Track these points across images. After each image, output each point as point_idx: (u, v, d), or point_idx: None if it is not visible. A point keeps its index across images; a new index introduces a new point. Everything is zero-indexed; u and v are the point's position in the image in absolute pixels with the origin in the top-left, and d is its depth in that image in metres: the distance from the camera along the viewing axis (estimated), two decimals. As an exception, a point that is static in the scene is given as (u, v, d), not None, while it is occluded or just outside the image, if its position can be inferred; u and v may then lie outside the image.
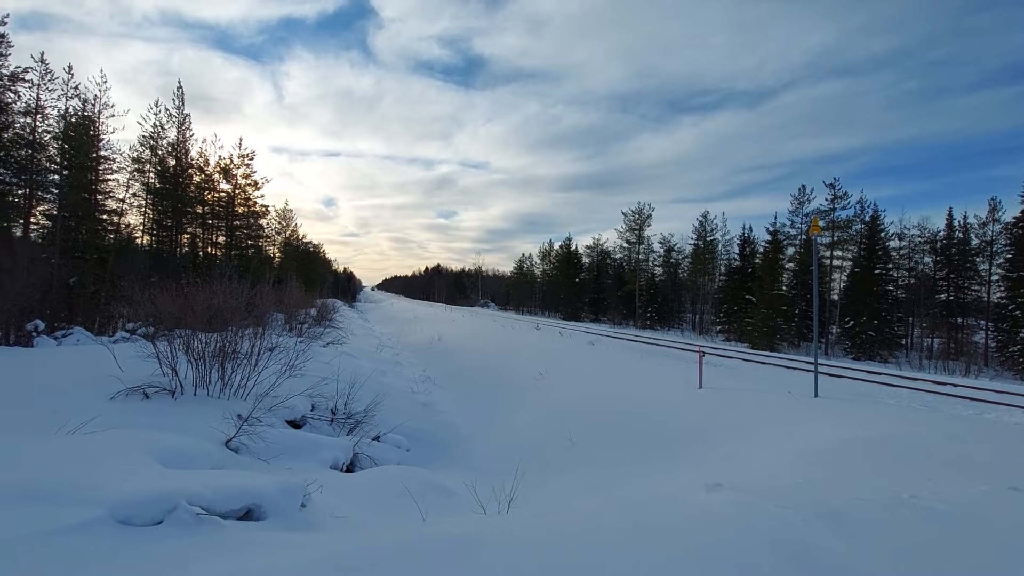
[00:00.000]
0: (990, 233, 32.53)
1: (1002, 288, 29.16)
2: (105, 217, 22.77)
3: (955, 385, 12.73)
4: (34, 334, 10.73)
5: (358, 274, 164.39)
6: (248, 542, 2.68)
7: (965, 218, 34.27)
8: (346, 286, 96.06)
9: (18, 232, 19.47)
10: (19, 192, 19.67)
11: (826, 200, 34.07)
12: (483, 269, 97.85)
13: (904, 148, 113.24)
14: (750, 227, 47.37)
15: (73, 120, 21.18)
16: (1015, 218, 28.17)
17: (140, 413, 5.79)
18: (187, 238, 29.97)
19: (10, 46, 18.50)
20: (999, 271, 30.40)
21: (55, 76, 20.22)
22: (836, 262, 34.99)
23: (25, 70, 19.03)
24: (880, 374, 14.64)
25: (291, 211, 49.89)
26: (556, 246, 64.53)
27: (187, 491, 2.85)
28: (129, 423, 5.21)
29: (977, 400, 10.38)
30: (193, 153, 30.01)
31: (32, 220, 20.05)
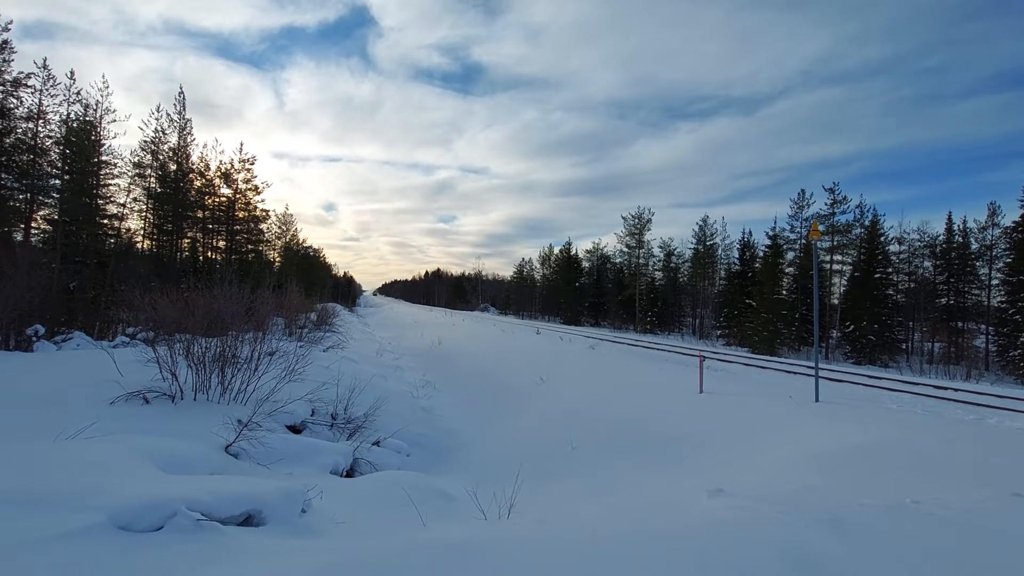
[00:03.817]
0: (990, 237, 32.62)
1: (1002, 292, 29.17)
2: (106, 222, 22.78)
3: (956, 390, 12.70)
4: (34, 339, 10.72)
5: (358, 278, 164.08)
6: (248, 548, 2.67)
7: (964, 222, 34.42)
8: (346, 290, 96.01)
9: (19, 237, 19.50)
10: (20, 197, 19.70)
11: (825, 204, 34.22)
12: (483, 273, 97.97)
13: (901, 153, 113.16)
14: (750, 232, 47.65)
15: (75, 125, 21.23)
16: (1015, 222, 28.23)
17: (140, 418, 5.78)
18: (187, 243, 29.98)
19: (13, 52, 18.61)
20: (999, 275, 30.44)
21: (57, 82, 20.29)
22: (836, 266, 35.04)
23: (28, 76, 19.12)
24: (881, 379, 14.62)
25: (291, 216, 49.93)
26: (556, 251, 64.75)
27: (187, 497, 2.85)
28: (129, 428, 5.20)
29: (978, 405, 10.35)
30: (194, 158, 30.11)
31: (33, 225, 20.07)
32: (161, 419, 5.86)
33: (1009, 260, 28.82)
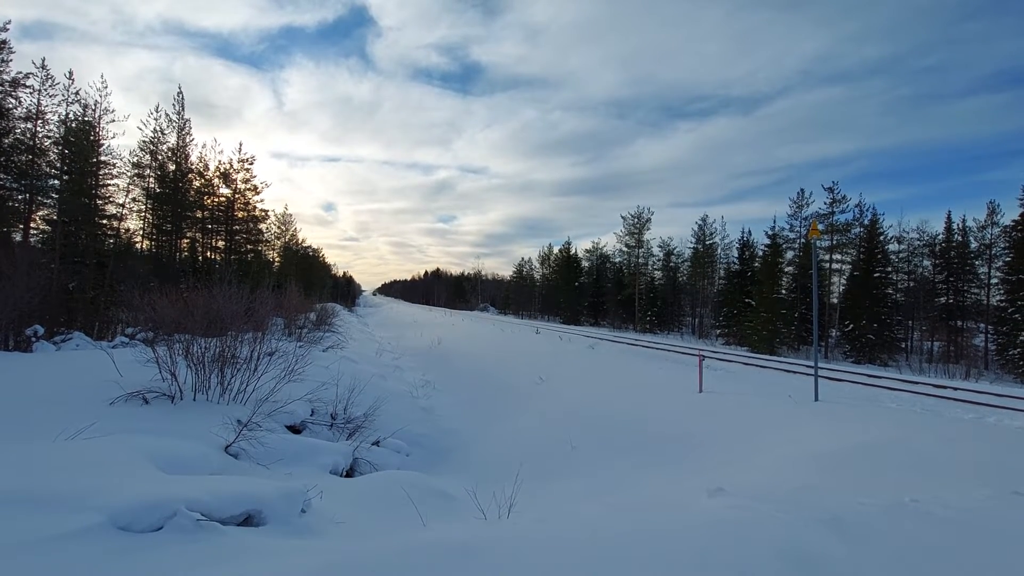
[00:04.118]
0: (989, 236, 32.63)
1: (1001, 291, 29.20)
2: (105, 222, 22.76)
3: (955, 389, 12.71)
4: (33, 339, 10.70)
5: (358, 278, 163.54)
6: (248, 548, 2.67)
7: (964, 221, 34.44)
8: (346, 290, 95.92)
9: (18, 237, 19.48)
10: (19, 197, 19.68)
11: (825, 204, 34.21)
12: (483, 273, 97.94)
13: (900, 153, 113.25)
14: (749, 231, 47.63)
15: (73, 125, 21.20)
16: (1014, 221, 28.24)
17: (139, 418, 5.77)
18: (187, 243, 29.97)
19: (11, 52, 18.58)
20: (998, 274, 30.46)
21: (56, 82, 20.25)
22: (835, 265, 35.05)
23: (26, 76, 19.09)
24: (880, 378, 14.62)
25: (291, 216, 49.91)
26: (555, 250, 64.78)
27: (187, 497, 2.85)
28: (128, 428, 5.19)
29: (978, 404, 10.36)
30: (193, 158, 30.10)
31: (32, 225, 20.05)
32: (161, 419, 5.86)
33: (1008, 259, 28.84)
